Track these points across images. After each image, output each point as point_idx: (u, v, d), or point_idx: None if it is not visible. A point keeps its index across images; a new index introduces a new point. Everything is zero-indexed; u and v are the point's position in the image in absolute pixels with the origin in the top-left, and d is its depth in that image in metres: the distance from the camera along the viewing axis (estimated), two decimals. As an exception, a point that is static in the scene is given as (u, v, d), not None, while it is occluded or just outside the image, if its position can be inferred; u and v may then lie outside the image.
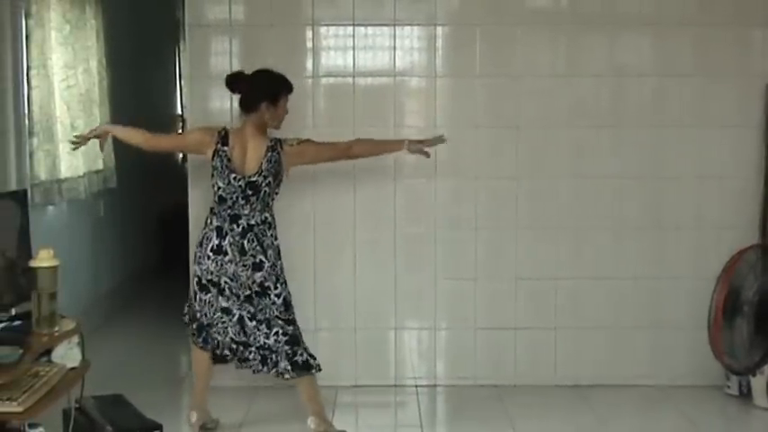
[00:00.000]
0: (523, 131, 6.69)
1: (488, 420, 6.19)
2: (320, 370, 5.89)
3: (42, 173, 6.90)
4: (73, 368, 4.78)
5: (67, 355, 4.80)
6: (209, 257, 5.75)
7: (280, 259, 5.84)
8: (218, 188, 5.76)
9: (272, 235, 5.83)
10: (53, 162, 7.06)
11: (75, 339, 4.85)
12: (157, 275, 10.41)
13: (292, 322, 5.83)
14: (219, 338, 5.83)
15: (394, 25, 6.67)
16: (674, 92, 6.70)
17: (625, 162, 6.72)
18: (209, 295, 5.78)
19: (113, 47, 8.68)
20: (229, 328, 5.79)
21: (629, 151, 6.72)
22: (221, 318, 5.78)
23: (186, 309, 5.99)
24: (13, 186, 6.23)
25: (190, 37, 6.72)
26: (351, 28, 6.68)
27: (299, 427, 6.04)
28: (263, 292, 5.75)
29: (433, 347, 6.83)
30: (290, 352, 5.76)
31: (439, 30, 6.70)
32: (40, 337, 4.60)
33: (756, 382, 6.42)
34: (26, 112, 6.68)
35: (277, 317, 5.76)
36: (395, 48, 6.69)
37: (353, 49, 6.70)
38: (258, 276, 5.74)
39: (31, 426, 4.60)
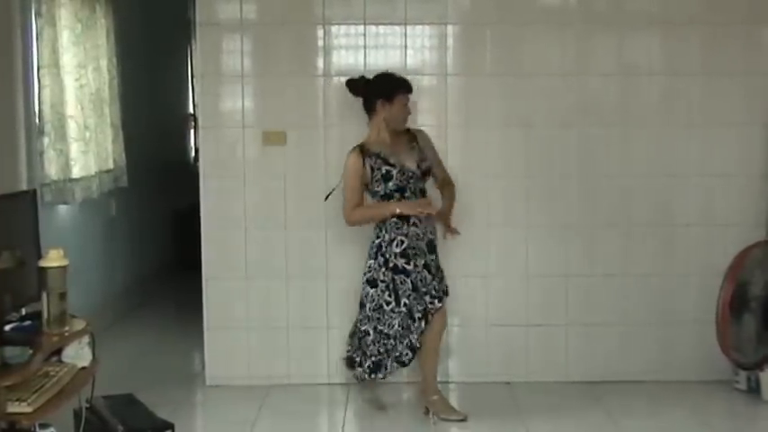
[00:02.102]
0: (534, 130, 6.70)
1: (500, 417, 6.20)
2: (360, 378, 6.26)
3: (54, 172, 6.91)
4: (83, 368, 4.80)
5: (78, 354, 4.83)
6: None
7: (372, 259, 6.06)
8: None
9: (375, 234, 6.08)
10: (65, 161, 7.07)
11: (86, 339, 4.88)
12: (170, 275, 10.44)
13: (358, 323, 6.21)
14: None
15: (405, 24, 6.67)
16: (682, 90, 6.71)
17: (634, 160, 6.73)
18: None
19: (124, 46, 8.69)
20: None
21: (637, 149, 6.73)
22: None
23: None
24: (23, 186, 6.26)
25: (201, 36, 6.73)
26: (362, 27, 6.68)
27: (309, 425, 6.08)
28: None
29: (445, 344, 6.79)
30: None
31: (450, 29, 6.71)
32: (50, 336, 4.62)
33: (765, 378, 6.43)
34: (37, 111, 6.70)
35: None
36: (406, 47, 6.70)
37: (365, 47, 6.71)
38: None
39: (42, 426, 4.62)
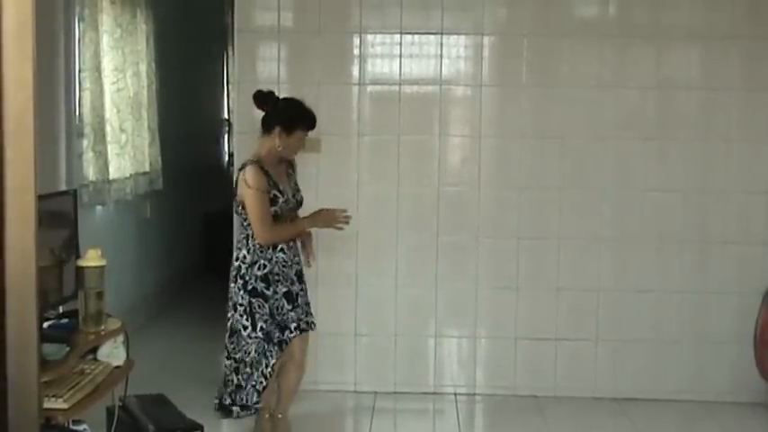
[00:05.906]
0: (568, 142, 6.70)
1: (527, 431, 6.20)
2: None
3: (92, 173, 6.98)
4: (117, 367, 4.84)
5: (112, 353, 4.86)
6: None
7: (233, 282, 5.60)
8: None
9: (235, 257, 5.66)
10: (103, 163, 7.13)
11: (121, 338, 4.91)
12: (200, 277, 10.49)
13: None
14: None
15: (441, 34, 6.69)
16: (721, 105, 6.67)
17: (671, 175, 6.70)
18: None
19: (162, 51, 8.77)
20: None
21: (674, 164, 6.70)
22: None
23: None
24: (63, 186, 6.30)
25: (238, 42, 6.78)
26: (398, 36, 6.71)
27: (334, 429, 6.09)
28: None
29: (472, 356, 6.83)
30: None
31: (486, 39, 6.71)
32: (86, 335, 4.67)
33: (800, 401, 6.39)
34: (77, 113, 6.76)
35: None
36: (441, 56, 6.71)
37: (400, 56, 6.73)
38: None
39: (76, 423, 4.63)
